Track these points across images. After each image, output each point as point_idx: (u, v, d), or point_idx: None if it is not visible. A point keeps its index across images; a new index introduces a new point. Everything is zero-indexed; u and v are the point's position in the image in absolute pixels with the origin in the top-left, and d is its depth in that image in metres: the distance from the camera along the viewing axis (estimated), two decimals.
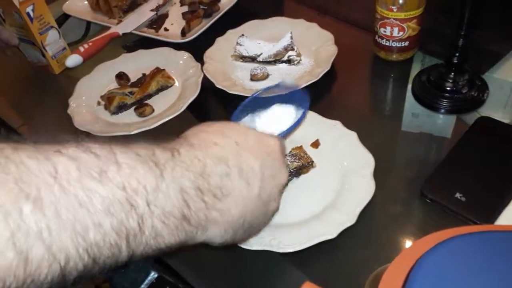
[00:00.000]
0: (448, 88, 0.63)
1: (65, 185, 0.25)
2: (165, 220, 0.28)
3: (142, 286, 0.33)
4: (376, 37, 0.71)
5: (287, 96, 0.51)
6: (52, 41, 0.82)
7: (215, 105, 0.73)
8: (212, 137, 0.34)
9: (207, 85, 0.73)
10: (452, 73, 0.63)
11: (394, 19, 0.66)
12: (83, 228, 0.24)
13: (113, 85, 0.78)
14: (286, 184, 0.44)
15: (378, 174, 0.54)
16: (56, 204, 0.24)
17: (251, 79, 0.74)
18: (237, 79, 0.75)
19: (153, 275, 0.33)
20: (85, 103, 0.74)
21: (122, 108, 0.72)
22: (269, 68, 0.75)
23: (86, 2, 0.97)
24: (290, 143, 0.61)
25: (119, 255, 0.27)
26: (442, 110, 0.64)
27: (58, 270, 0.24)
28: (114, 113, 0.72)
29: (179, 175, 0.30)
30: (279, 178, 0.38)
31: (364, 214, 0.50)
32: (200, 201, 0.30)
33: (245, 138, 0.36)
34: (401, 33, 0.68)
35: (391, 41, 0.69)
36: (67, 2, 0.97)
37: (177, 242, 0.30)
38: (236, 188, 0.33)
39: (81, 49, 0.82)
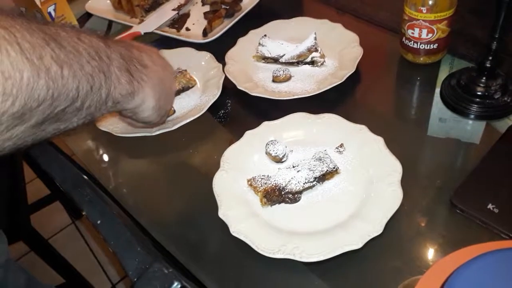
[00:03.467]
0: (480, 93, 0.61)
1: (64, 41, 0.36)
2: (120, 69, 0.42)
3: None
4: (403, 39, 0.69)
5: None
6: None
7: (236, 107, 0.71)
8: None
9: (228, 86, 0.72)
10: (484, 78, 0.60)
11: (423, 20, 0.64)
12: (80, 64, 0.36)
13: None
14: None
15: (404, 181, 0.52)
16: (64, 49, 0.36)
17: (273, 81, 0.72)
18: (259, 81, 0.74)
19: (176, 285, 0.33)
20: None
21: None
22: (292, 70, 0.73)
23: (108, 1, 0.97)
24: (314, 147, 0.59)
25: (101, 88, 0.39)
26: (472, 116, 0.61)
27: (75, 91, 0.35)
28: None
29: (116, 46, 0.44)
30: (169, 67, 0.57)
31: (391, 223, 0.49)
32: (132, 64, 0.45)
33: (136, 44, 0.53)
34: (430, 35, 0.65)
35: (419, 43, 0.67)
36: (89, 1, 0.97)
37: (128, 92, 0.44)
38: (149, 64, 0.49)
39: None
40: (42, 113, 0.33)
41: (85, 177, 0.47)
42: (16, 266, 0.71)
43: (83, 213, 0.43)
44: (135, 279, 0.33)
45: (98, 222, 0.40)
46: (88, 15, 0.96)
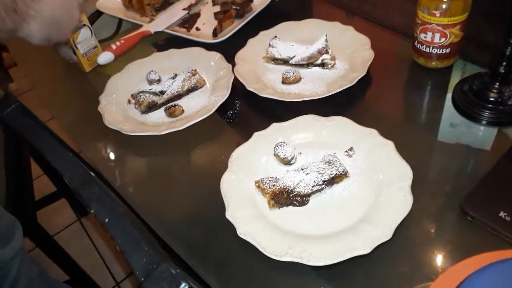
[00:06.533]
0: (492, 99, 0.60)
1: None
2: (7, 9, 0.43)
3: None
4: (416, 43, 0.69)
5: None
6: (84, 39, 0.82)
7: (245, 108, 0.71)
8: None
9: (237, 87, 0.71)
10: (497, 83, 0.60)
11: (437, 24, 0.63)
12: None
13: (144, 83, 0.78)
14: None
15: (413, 187, 0.51)
16: None
17: (283, 82, 0.72)
18: (268, 82, 0.73)
19: (184, 286, 0.32)
20: (115, 100, 0.74)
21: (152, 107, 0.72)
22: (302, 72, 0.73)
23: (119, 0, 0.97)
24: (323, 150, 0.59)
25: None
26: (484, 122, 0.60)
27: None
28: (144, 112, 0.72)
29: None
30: None
31: (400, 229, 0.48)
32: (22, 1, 0.45)
33: None
34: (443, 39, 0.65)
35: (431, 47, 0.66)
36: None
37: (9, 29, 0.46)
38: None
39: (113, 46, 0.82)
40: None
41: (94, 175, 0.46)
42: (30, 259, 0.72)
43: (91, 211, 0.42)
44: (142, 279, 0.33)
45: (106, 220, 0.40)
46: (98, 13, 0.97)
